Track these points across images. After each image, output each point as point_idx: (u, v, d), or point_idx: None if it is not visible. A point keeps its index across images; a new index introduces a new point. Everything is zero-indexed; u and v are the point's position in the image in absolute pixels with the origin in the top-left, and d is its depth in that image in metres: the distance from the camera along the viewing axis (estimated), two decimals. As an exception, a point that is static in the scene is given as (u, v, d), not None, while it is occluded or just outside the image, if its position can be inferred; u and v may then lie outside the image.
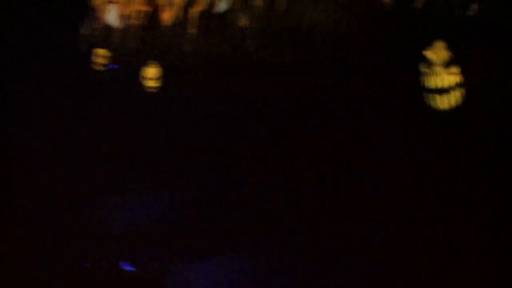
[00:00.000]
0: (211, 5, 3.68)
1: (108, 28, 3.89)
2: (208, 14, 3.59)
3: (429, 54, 3.78)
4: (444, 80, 3.75)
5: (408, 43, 3.77)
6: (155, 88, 3.93)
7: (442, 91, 3.77)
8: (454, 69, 3.77)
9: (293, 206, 3.23)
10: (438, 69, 3.76)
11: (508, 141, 3.61)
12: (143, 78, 3.94)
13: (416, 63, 3.79)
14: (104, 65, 4.09)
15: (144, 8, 3.60)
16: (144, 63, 3.90)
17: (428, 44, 3.79)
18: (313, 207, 3.15)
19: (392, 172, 3.52)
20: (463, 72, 3.76)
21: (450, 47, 3.78)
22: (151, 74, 3.92)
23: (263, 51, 3.61)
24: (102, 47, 4.00)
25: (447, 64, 3.79)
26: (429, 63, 3.77)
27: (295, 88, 3.63)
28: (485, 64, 3.69)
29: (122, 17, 3.86)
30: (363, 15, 3.71)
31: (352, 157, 3.36)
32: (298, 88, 3.62)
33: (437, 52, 3.79)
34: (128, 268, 3.16)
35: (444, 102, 3.82)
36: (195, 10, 3.59)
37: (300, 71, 3.61)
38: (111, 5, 3.72)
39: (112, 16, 3.88)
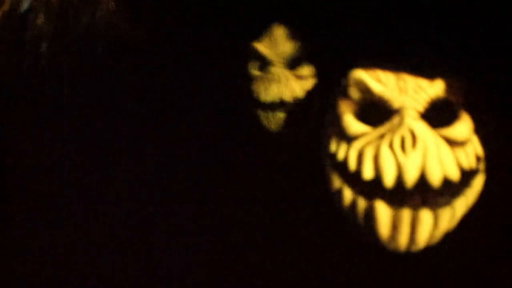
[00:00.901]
0: (16, 5, 2.91)
1: None
2: (9, 15, 2.82)
3: (262, 48, 2.41)
4: (288, 87, 2.43)
5: (229, 31, 2.48)
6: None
7: (287, 104, 2.42)
8: (304, 70, 2.42)
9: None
10: (278, 71, 2.44)
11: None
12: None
13: (242, 62, 2.50)
14: None
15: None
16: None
17: (258, 32, 2.39)
18: None
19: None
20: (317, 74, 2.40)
21: (294, 35, 2.46)
22: None
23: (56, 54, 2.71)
24: None
25: (292, 63, 2.34)
26: (262, 63, 2.37)
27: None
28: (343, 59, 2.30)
29: None
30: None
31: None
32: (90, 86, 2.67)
33: (274, 45, 2.37)
34: None
35: (285, 121, 2.45)
36: (0, 12, 2.85)
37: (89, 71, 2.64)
38: None
39: None
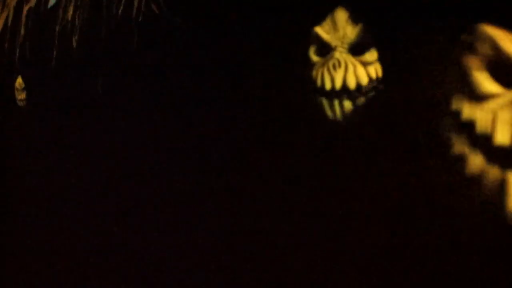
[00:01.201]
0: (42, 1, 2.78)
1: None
2: (36, 11, 2.68)
3: (322, 33, 2.24)
4: (353, 74, 2.23)
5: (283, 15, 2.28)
6: (21, 100, 3.04)
7: (352, 92, 2.23)
8: (369, 56, 2.24)
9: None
10: (342, 56, 2.24)
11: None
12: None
13: (300, 48, 2.31)
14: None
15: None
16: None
17: (318, 16, 2.23)
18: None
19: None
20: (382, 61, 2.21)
21: (358, 19, 2.19)
22: (18, 85, 3.10)
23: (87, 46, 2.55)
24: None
25: (356, 49, 2.17)
26: (324, 48, 2.21)
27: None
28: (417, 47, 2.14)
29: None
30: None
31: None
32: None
33: (337, 29, 2.22)
34: None
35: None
36: (26, 8, 2.71)
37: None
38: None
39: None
